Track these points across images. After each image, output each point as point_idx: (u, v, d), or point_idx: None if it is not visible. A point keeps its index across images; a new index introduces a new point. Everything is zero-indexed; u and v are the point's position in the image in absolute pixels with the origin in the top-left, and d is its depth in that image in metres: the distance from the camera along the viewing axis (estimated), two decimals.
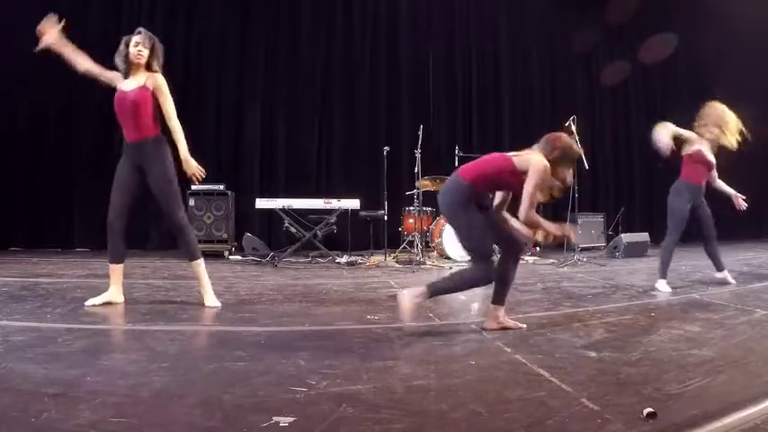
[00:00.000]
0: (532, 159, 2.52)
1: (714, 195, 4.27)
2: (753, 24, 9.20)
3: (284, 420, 1.47)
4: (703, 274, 4.90)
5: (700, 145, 4.05)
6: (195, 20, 7.79)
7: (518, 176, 2.54)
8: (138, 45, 3.19)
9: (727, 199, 4.25)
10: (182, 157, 3.29)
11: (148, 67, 3.24)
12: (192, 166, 3.30)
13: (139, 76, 3.22)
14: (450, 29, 8.82)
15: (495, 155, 2.67)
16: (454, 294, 4.21)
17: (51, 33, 3.08)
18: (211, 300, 3.25)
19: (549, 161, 2.52)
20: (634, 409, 1.55)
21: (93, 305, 3.13)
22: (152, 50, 3.24)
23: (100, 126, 7.38)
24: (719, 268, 4.26)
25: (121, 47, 3.24)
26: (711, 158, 4.07)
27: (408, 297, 2.52)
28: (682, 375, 1.88)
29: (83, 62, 3.22)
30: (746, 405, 1.60)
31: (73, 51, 3.19)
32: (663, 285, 3.96)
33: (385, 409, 1.57)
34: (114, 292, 3.27)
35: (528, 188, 2.49)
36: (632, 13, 9.33)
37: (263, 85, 7.99)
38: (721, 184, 4.25)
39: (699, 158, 4.04)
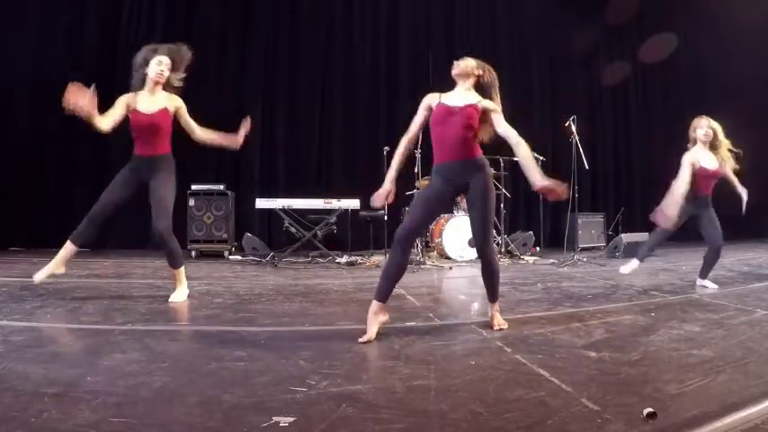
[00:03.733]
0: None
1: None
2: (753, 24, 9.20)
3: (284, 420, 1.47)
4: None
5: (700, 160, 4.03)
6: (195, 20, 7.78)
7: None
8: (162, 65, 3.24)
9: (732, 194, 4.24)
10: (226, 142, 3.70)
11: (166, 84, 3.31)
12: (241, 134, 3.68)
13: (159, 96, 3.28)
14: (450, 29, 8.81)
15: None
16: (454, 294, 4.22)
17: (84, 103, 2.96)
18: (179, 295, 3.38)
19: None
20: (634, 409, 1.55)
21: (41, 280, 3.24)
22: (173, 68, 3.30)
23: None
24: (703, 275, 4.22)
25: (140, 59, 3.26)
26: (714, 166, 4.04)
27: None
28: (682, 375, 1.88)
29: (106, 122, 3.22)
30: (746, 405, 1.60)
31: (98, 117, 3.14)
32: (630, 266, 4.26)
33: (385, 409, 1.57)
34: (59, 264, 3.30)
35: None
36: (632, 14, 9.33)
37: (263, 85, 7.99)
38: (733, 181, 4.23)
39: (704, 174, 4.04)
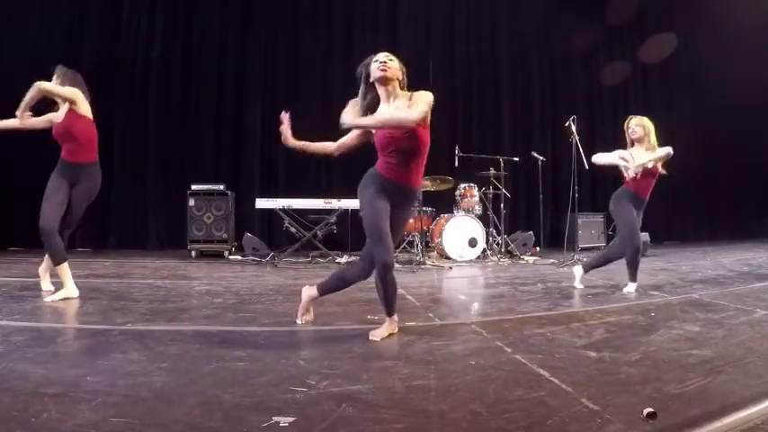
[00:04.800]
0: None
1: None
2: (753, 24, 9.20)
3: (284, 420, 1.47)
4: (703, 274, 4.91)
5: (630, 156, 3.94)
6: (195, 20, 7.79)
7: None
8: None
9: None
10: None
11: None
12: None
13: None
14: (450, 29, 8.81)
15: None
16: (454, 294, 4.22)
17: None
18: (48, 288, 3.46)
19: None
20: (634, 409, 1.55)
21: (53, 301, 3.26)
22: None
23: (99, 127, 7.40)
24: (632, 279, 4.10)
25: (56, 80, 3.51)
26: (652, 165, 3.91)
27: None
28: (682, 375, 1.88)
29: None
30: (746, 405, 1.60)
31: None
32: (578, 270, 4.19)
33: (385, 409, 1.57)
34: (71, 288, 3.39)
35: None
36: (632, 14, 9.33)
37: (263, 85, 7.99)
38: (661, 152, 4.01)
39: (646, 172, 3.93)
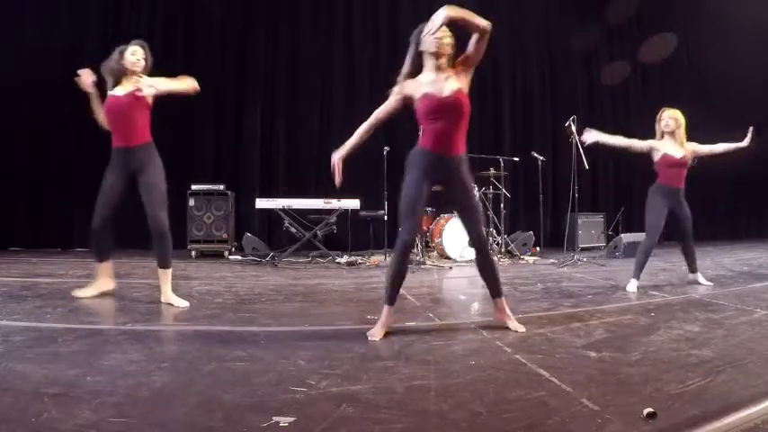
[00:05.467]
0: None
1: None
2: (753, 24, 9.20)
3: (284, 420, 1.47)
4: (703, 273, 4.89)
5: (663, 148, 4.14)
6: (195, 20, 7.78)
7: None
8: (136, 54, 3.27)
9: (741, 149, 4.28)
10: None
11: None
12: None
13: (127, 84, 3.28)
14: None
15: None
16: (455, 294, 4.22)
17: (88, 82, 3.31)
18: (176, 300, 3.25)
19: None
20: (634, 409, 1.55)
21: (86, 296, 3.27)
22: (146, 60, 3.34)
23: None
24: (692, 269, 4.31)
25: (116, 56, 3.29)
26: (680, 154, 4.10)
27: None
28: (682, 375, 1.88)
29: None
30: (746, 405, 1.60)
31: (98, 101, 3.39)
32: (632, 286, 4.01)
33: (385, 409, 1.57)
34: (107, 281, 3.37)
35: None
36: (632, 14, 9.33)
37: (263, 85, 7.98)
38: (722, 147, 4.28)
39: (668, 162, 4.11)
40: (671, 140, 4.14)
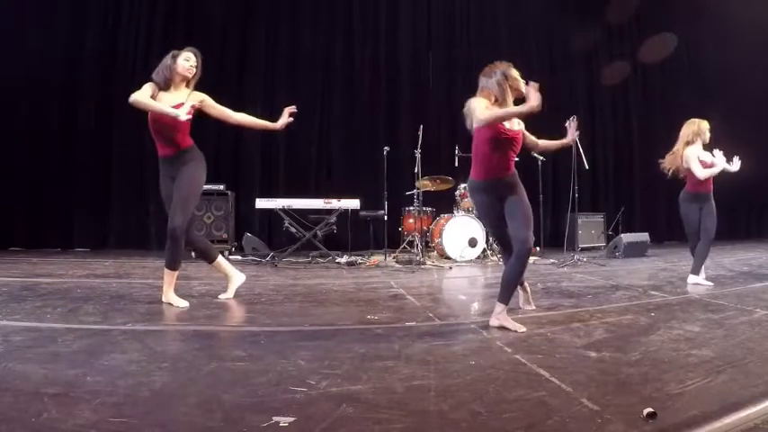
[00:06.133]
0: (470, 104, 2.79)
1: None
2: (753, 23, 9.20)
3: (284, 420, 1.47)
4: (703, 273, 4.89)
5: (689, 159, 4.29)
6: (195, 20, 7.78)
7: (478, 133, 2.83)
8: (191, 60, 3.35)
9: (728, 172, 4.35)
10: (271, 126, 3.69)
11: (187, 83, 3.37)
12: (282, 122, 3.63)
13: (182, 92, 3.35)
14: (450, 29, 8.81)
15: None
16: (454, 294, 4.22)
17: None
18: (176, 300, 3.25)
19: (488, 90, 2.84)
20: (634, 409, 1.55)
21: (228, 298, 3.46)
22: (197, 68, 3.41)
23: (99, 127, 7.41)
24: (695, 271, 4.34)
25: (168, 60, 3.33)
26: (699, 161, 4.24)
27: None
28: (682, 375, 1.88)
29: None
30: (746, 405, 1.60)
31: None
32: (694, 279, 4.25)
33: (385, 409, 1.57)
34: (174, 298, 3.30)
35: (479, 116, 2.70)
36: (632, 14, 9.33)
37: (263, 85, 7.99)
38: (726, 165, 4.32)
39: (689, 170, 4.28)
40: (701, 148, 4.40)
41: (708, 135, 4.38)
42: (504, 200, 2.84)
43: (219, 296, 3.53)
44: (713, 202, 4.26)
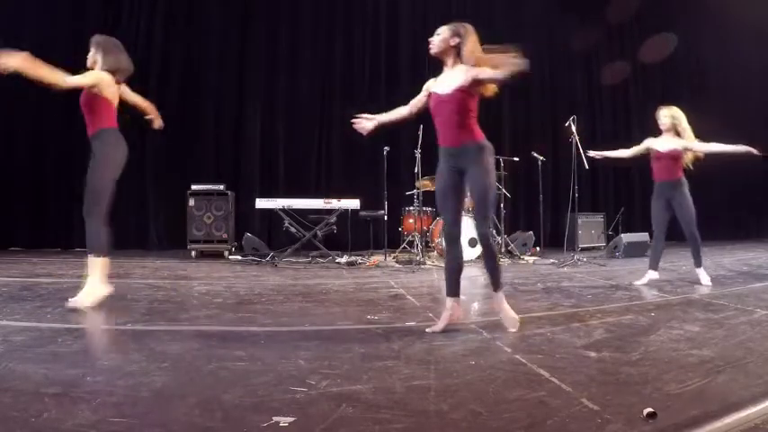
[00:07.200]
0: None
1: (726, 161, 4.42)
2: (753, 23, 9.20)
3: (284, 420, 1.47)
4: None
5: (653, 144, 4.31)
6: (195, 20, 7.78)
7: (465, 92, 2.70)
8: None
9: (736, 157, 4.27)
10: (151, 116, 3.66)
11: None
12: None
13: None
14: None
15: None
16: None
17: (15, 59, 2.92)
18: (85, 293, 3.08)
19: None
20: (634, 409, 1.55)
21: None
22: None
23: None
24: (696, 264, 4.38)
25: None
26: (665, 147, 4.23)
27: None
28: (682, 375, 1.88)
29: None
30: (746, 405, 1.60)
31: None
32: (646, 278, 4.31)
33: (385, 409, 1.57)
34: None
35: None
36: (633, 13, 9.33)
37: (264, 85, 7.98)
38: (717, 147, 4.20)
39: (654, 157, 4.32)
40: (667, 137, 4.25)
41: (659, 121, 4.34)
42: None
43: (69, 300, 3.08)
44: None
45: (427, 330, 2.59)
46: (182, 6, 7.76)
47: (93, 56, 3.40)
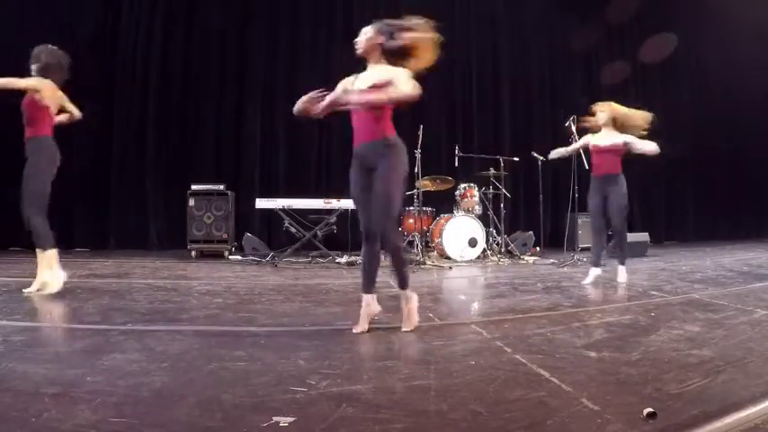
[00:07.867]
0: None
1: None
2: (753, 23, 9.20)
3: (284, 420, 1.47)
4: (703, 273, 4.90)
5: (592, 140, 4.37)
6: (195, 20, 7.78)
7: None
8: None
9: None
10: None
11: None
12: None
13: None
14: (450, 28, 8.79)
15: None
16: (455, 294, 4.22)
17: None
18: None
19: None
20: (634, 409, 1.55)
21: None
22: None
23: (99, 126, 7.40)
24: (620, 262, 4.43)
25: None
26: (606, 142, 4.26)
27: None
28: (682, 375, 1.88)
29: None
30: (746, 405, 1.60)
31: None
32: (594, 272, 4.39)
33: (385, 409, 1.57)
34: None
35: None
36: (633, 13, 9.32)
37: (263, 85, 7.98)
38: (649, 146, 4.18)
39: (592, 151, 4.38)
40: (607, 131, 4.29)
41: (597, 117, 4.37)
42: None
43: (24, 290, 3.48)
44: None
45: (354, 331, 2.54)
46: (182, 6, 7.76)
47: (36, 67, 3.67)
